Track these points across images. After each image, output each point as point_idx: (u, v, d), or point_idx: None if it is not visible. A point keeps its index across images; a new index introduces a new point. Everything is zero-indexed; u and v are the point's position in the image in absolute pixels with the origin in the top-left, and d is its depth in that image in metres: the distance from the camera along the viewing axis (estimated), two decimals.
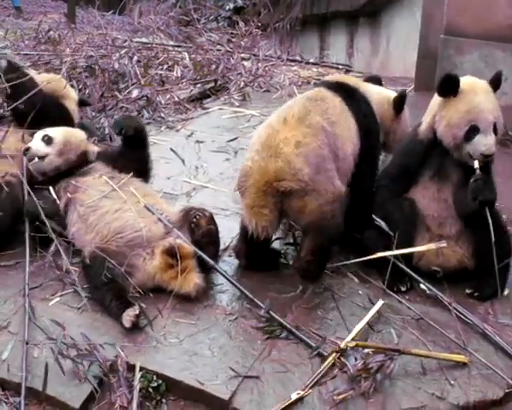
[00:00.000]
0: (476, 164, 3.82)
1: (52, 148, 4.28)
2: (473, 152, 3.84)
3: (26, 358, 3.21)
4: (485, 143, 3.81)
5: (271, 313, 3.54)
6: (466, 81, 3.96)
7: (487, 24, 6.13)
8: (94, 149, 4.49)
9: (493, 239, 3.74)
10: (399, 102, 4.43)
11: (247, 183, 3.78)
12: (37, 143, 4.29)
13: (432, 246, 3.80)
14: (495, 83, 3.96)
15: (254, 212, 3.73)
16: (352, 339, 3.38)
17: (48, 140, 4.29)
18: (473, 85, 3.94)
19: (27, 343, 3.27)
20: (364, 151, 4.10)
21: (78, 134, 4.50)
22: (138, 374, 3.20)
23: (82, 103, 5.38)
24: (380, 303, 3.64)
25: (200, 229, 3.79)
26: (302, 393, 3.13)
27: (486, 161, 3.85)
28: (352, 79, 4.51)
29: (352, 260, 3.97)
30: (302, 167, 3.70)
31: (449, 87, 3.91)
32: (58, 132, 4.37)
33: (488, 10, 6.14)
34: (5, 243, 4.13)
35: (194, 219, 3.81)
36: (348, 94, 4.21)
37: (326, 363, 3.27)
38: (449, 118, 3.90)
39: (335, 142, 3.91)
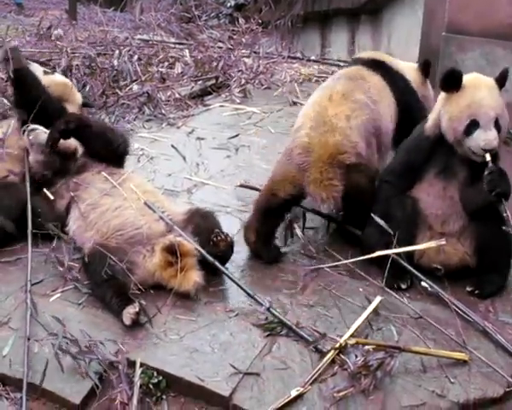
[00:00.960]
0: (488, 157, 3.81)
1: None
2: (473, 147, 3.84)
3: (27, 354, 3.20)
4: (484, 137, 3.79)
5: (272, 310, 3.55)
6: (470, 77, 3.96)
7: (489, 22, 6.12)
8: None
9: (510, 229, 3.75)
10: (426, 67, 4.76)
11: (309, 158, 3.97)
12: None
13: (432, 244, 3.79)
14: (500, 80, 3.95)
15: (324, 185, 3.92)
16: (352, 336, 3.38)
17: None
18: (476, 81, 3.94)
19: (29, 339, 3.27)
20: (405, 125, 4.30)
21: None
22: (139, 370, 3.20)
23: (85, 105, 5.36)
24: (378, 299, 3.64)
25: (218, 249, 3.79)
26: (302, 390, 3.13)
27: (486, 155, 3.82)
28: (385, 56, 4.72)
29: (352, 260, 3.97)
30: (358, 140, 3.97)
31: (451, 82, 3.92)
32: None
33: (490, 8, 6.13)
34: (7, 241, 4.13)
35: (215, 239, 3.79)
36: (386, 72, 4.46)
37: (325, 359, 3.27)
38: (450, 112, 3.91)
39: (379, 118, 4.16)
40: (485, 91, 3.88)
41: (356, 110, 4.06)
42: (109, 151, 4.32)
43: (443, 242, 3.75)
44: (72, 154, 4.37)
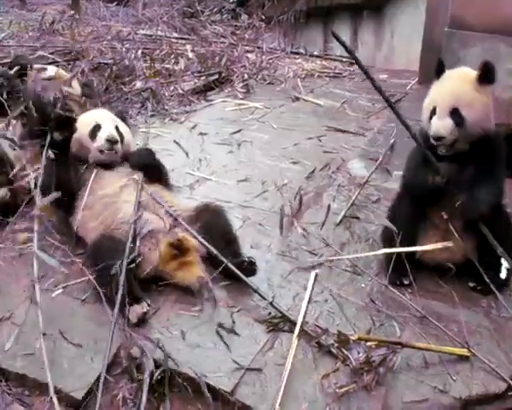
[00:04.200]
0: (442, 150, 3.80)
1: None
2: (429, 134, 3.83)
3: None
4: (434, 124, 3.77)
5: (275, 304, 3.55)
6: (455, 69, 3.95)
7: (492, 17, 6.10)
8: None
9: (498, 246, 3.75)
10: None
11: None
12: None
13: (438, 245, 3.77)
14: (483, 75, 3.79)
15: None
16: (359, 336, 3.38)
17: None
18: (455, 73, 3.91)
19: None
20: None
21: None
22: (141, 366, 3.20)
23: (85, 96, 5.32)
24: (314, 273, 3.63)
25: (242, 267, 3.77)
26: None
27: (440, 144, 3.78)
28: None
29: (357, 255, 3.98)
30: None
31: (437, 71, 3.93)
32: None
33: (494, 4, 6.10)
34: None
35: (245, 264, 3.78)
36: None
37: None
38: (425, 100, 3.94)
39: None
40: (456, 82, 3.83)
41: None
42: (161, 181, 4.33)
43: (450, 244, 3.72)
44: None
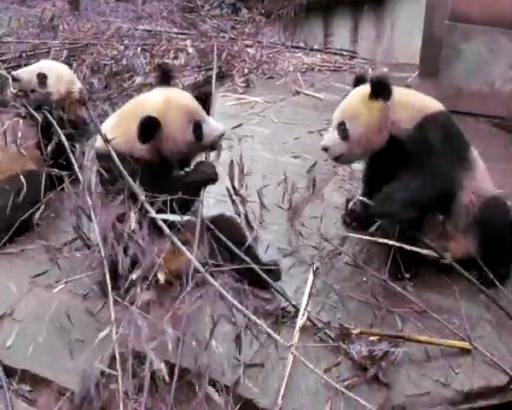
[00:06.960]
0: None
1: None
2: None
3: None
4: (324, 136, 4.01)
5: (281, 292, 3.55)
6: (363, 86, 4.02)
7: (493, 10, 6.09)
8: None
9: None
10: None
11: None
12: None
13: (437, 250, 3.76)
14: (373, 90, 3.87)
15: None
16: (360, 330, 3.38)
17: None
18: (358, 88, 4.04)
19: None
20: None
21: None
22: (143, 361, 3.20)
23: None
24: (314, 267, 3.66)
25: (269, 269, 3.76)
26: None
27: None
28: None
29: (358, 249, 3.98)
30: None
31: (353, 85, 4.17)
32: None
33: None
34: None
35: (271, 264, 3.82)
36: None
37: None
38: None
39: None
40: (350, 97, 4.05)
41: None
42: None
43: (448, 261, 3.72)
44: None
